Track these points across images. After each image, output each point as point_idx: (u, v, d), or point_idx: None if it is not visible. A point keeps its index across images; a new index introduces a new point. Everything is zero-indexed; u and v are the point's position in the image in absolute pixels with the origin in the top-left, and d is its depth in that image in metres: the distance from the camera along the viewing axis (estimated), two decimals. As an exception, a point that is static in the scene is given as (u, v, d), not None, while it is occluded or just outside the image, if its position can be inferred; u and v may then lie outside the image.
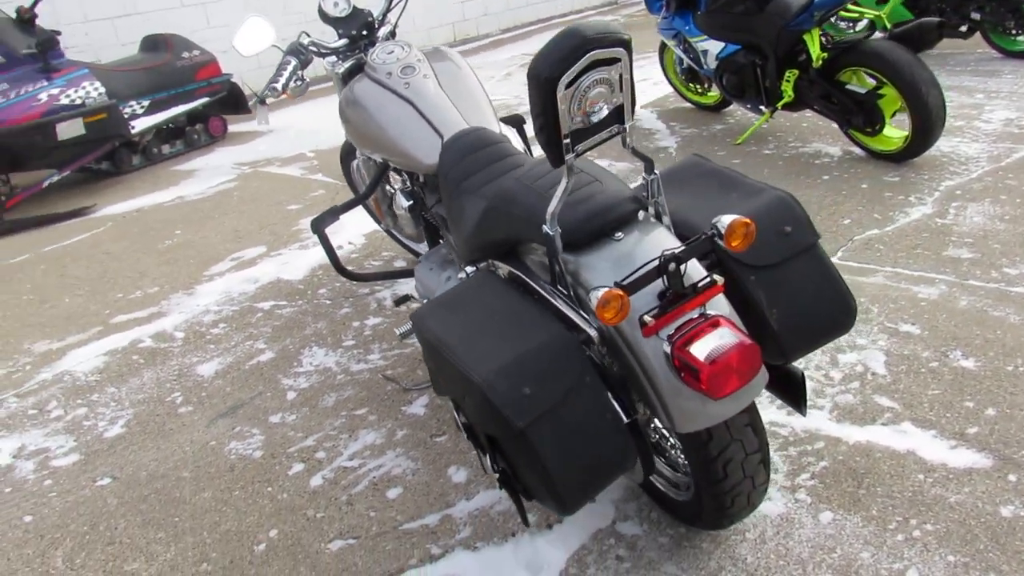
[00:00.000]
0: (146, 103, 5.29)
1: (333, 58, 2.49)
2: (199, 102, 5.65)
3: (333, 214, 2.57)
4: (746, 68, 4.18)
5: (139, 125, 5.21)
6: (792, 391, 1.66)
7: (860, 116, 3.78)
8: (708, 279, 1.39)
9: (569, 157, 1.35)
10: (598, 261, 1.49)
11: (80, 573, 1.90)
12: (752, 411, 1.53)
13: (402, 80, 2.25)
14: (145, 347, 2.96)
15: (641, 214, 1.57)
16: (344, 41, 2.45)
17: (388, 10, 2.53)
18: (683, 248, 1.36)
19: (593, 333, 1.48)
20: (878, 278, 2.80)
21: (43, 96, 4.60)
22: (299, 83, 2.27)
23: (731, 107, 5.04)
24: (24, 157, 4.63)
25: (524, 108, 6.00)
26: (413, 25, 9.11)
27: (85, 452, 2.37)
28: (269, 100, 2.17)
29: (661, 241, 1.50)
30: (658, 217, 1.59)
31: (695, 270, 1.44)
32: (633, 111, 1.37)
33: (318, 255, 3.61)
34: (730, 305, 1.46)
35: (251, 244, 3.86)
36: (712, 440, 1.49)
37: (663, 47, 5.09)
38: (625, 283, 1.33)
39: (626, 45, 1.29)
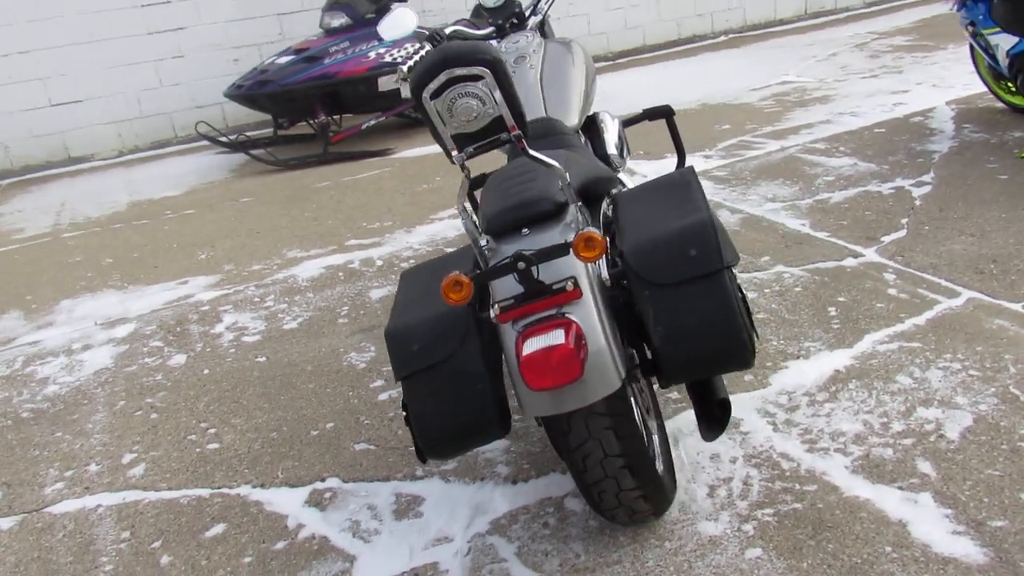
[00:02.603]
0: (461, 63, 6.09)
1: (484, 44, 2.82)
2: (510, 65, 6.31)
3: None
4: (1043, 69, 3.54)
5: (449, 83, 6.04)
6: (709, 414, 1.66)
7: None
8: (562, 284, 1.50)
9: (459, 156, 1.56)
10: (504, 250, 1.66)
11: (207, 417, 2.61)
12: (620, 417, 1.59)
13: (512, 68, 2.51)
14: (351, 268, 3.67)
15: (570, 213, 1.69)
16: (490, 29, 2.76)
17: (538, 1, 2.77)
18: (533, 252, 1.49)
19: (493, 314, 1.67)
20: (1050, 337, 2.36)
21: (372, 54, 5.61)
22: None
23: (1050, 113, 4.24)
24: (352, 103, 5.73)
25: (819, 93, 5.63)
26: (760, -4, 8.82)
27: (265, 336, 3.12)
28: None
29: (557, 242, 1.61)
30: (582, 219, 1.69)
31: (556, 273, 1.53)
32: (521, 122, 1.51)
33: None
34: (598, 313, 1.54)
35: (480, 197, 4.39)
36: (571, 432, 1.59)
37: (974, 37, 4.42)
38: (477, 274, 1.52)
39: (491, 64, 1.45)
